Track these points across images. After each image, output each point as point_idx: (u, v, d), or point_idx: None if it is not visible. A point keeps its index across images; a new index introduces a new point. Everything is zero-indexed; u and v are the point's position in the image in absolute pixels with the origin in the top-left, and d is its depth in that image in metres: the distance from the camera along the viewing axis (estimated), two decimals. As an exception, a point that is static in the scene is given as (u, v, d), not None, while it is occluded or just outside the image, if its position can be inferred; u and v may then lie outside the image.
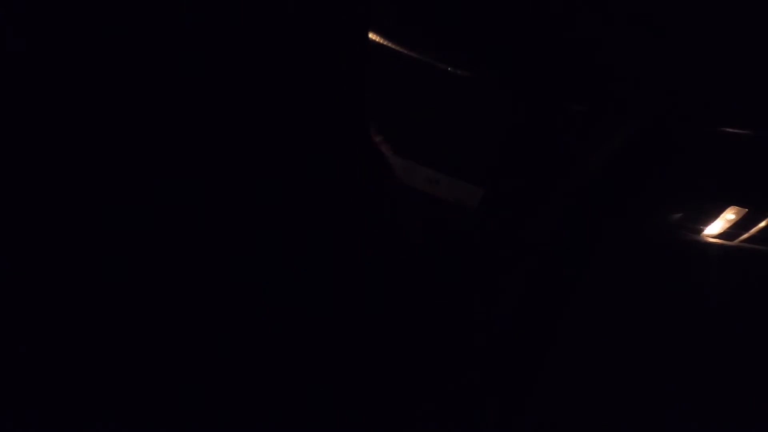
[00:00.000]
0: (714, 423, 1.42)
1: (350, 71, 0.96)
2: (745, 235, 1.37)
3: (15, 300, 0.80)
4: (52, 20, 0.75)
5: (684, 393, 1.40)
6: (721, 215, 1.36)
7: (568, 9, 1.34)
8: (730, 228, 1.37)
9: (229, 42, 0.81)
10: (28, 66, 0.75)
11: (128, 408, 0.88)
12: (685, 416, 1.40)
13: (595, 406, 1.40)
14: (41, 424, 0.84)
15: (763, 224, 1.36)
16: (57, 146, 0.78)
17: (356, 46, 0.95)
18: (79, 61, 0.76)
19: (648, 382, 1.39)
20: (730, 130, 1.31)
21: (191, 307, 0.87)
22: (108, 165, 0.80)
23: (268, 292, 0.91)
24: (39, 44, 0.75)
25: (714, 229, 1.37)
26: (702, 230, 1.37)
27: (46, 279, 0.81)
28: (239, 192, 0.86)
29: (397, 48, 1.33)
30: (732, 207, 1.35)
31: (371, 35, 1.33)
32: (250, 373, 0.93)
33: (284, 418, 0.98)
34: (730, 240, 1.37)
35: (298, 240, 0.92)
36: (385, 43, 1.33)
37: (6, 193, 0.78)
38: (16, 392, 0.83)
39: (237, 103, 0.84)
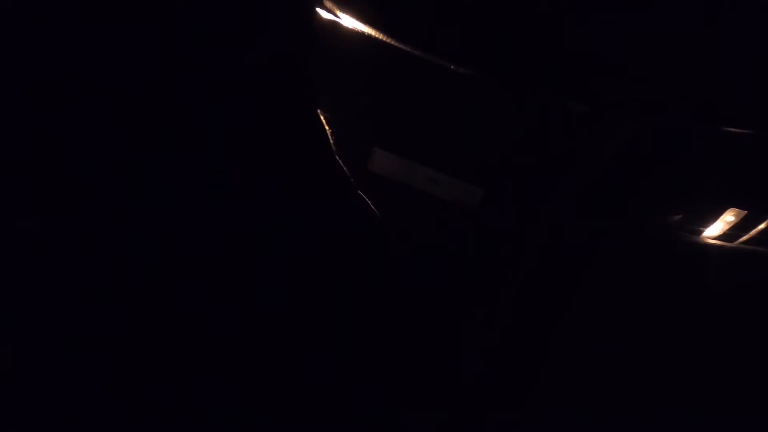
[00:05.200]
0: (714, 423, 1.42)
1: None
2: (745, 237, 1.37)
3: (16, 300, 0.80)
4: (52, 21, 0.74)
5: (684, 393, 1.41)
6: (721, 217, 1.36)
7: (570, 10, 1.34)
8: (729, 230, 1.37)
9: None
10: (26, 66, 0.75)
11: (128, 408, 0.87)
12: (685, 416, 1.41)
13: (595, 406, 1.40)
14: (42, 424, 0.83)
15: (762, 226, 1.37)
16: (59, 147, 0.78)
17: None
18: (76, 63, 0.76)
19: (648, 382, 1.39)
20: (730, 130, 1.31)
21: (191, 308, 0.87)
22: (110, 166, 0.80)
23: (268, 293, 0.91)
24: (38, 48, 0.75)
25: (714, 230, 1.37)
26: (702, 232, 1.37)
27: (47, 279, 0.81)
28: (238, 191, 0.86)
29: (400, 46, 1.32)
30: (732, 209, 1.35)
31: (375, 34, 1.33)
32: (248, 373, 0.93)
33: (283, 417, 0.98)
34: (730, 242, 1.38)
35: (297, 240, 0.92)
36: (388, 41, 1.33)
37: (6, 193, 0.78)
38: (16, 392, 0.83)
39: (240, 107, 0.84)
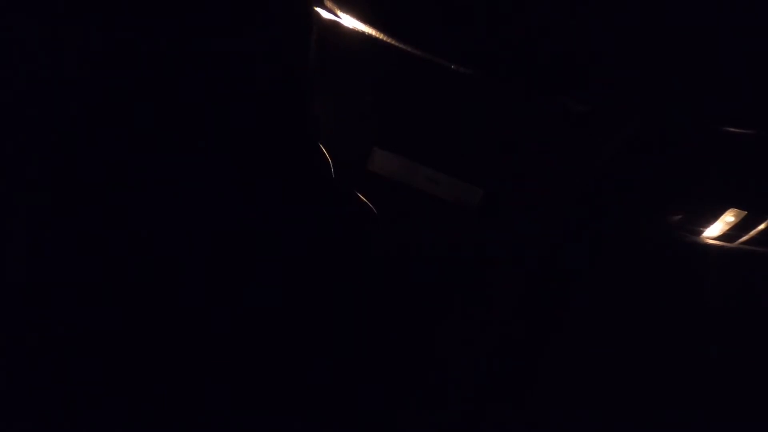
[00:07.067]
0: (714, 423, 1.42)
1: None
2: (745, 237, 1.38)
3: (16, 300, 0.80)
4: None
5: (684, 393, 1.41)
6: (721, 217, 1.36)
7: (570, 10, 1.34)
8: (729, 230, 1.37)
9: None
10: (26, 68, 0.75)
11: (128, 408, 0.87)
12: (685, 416, 1.41)
13: (595, 406, 1.40)
14: (42, 424, 0.83)
15: (762, 226, 1.37)
16: (59, 146, 0.78)
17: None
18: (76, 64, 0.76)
19: (648, 382, 1.39)
20: (730, 130, 1.31)
21: (191, 308, 0.87)
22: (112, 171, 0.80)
23: (268, 293, 0.91)
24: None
25: (714, 231, 1.37)
26: (702, 232, 1.37)
27: (47, 279, 0.81)
28: (238, 191, 0.86)
29: (400, 46, 1.32)
30: (731, 209, 1.36)
31: (375, 34, 1.33)
32: (248, 373, 0.93)
33: (283, 417, 0.98)
34: (730, 242, 1.38)
35: (297, 240, 0.92)
36: (388, 41, 1.33)
37: (7, 193, 0.78)
38: (16, 392, 0.83)
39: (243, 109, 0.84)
